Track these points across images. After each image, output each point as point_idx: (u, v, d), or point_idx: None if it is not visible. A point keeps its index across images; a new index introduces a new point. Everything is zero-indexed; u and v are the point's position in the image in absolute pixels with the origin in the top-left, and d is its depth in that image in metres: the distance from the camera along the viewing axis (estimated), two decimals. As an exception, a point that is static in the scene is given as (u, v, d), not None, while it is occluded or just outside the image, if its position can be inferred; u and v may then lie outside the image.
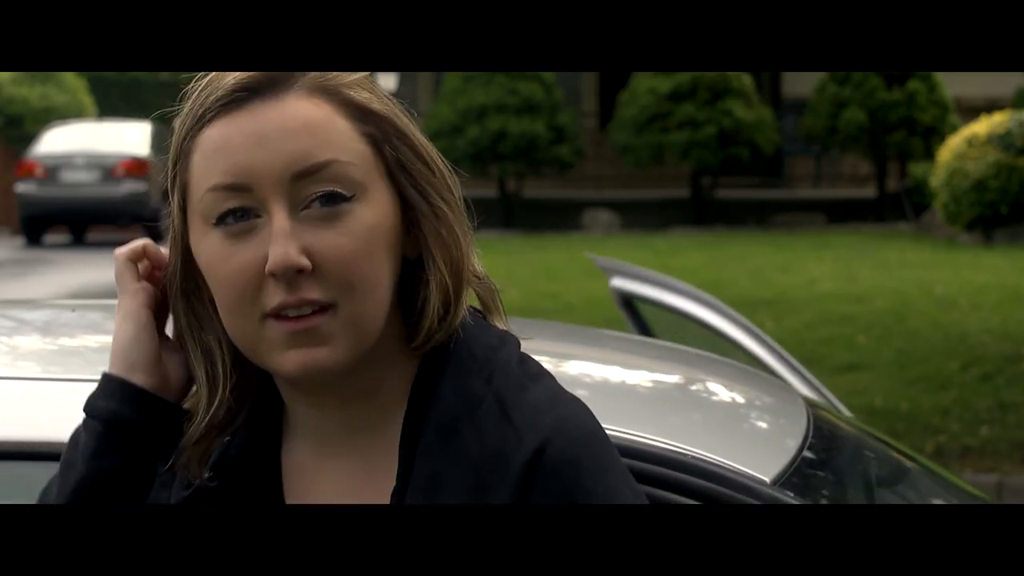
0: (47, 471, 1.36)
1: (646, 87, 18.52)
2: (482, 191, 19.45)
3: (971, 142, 14.48)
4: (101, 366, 1.34)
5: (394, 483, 1.25)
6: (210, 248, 1.24)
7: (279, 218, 1.21)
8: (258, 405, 1.33)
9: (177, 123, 1.29)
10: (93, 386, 1.33)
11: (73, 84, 25.79)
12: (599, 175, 20.73)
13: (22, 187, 20.61)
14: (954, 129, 17.46)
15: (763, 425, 1.93)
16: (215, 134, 1.24)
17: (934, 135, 18.17)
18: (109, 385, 1.31)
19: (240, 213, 1.23)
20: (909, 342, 8.79)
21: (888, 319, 9.57)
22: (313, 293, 1.22)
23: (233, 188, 1.23)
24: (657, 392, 2.01)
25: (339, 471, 1.30)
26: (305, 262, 1.21)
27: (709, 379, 2.10)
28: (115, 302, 1.35)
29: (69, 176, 20.64)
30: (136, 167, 21.02)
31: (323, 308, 1.22)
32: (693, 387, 2.07)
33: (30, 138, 23.82)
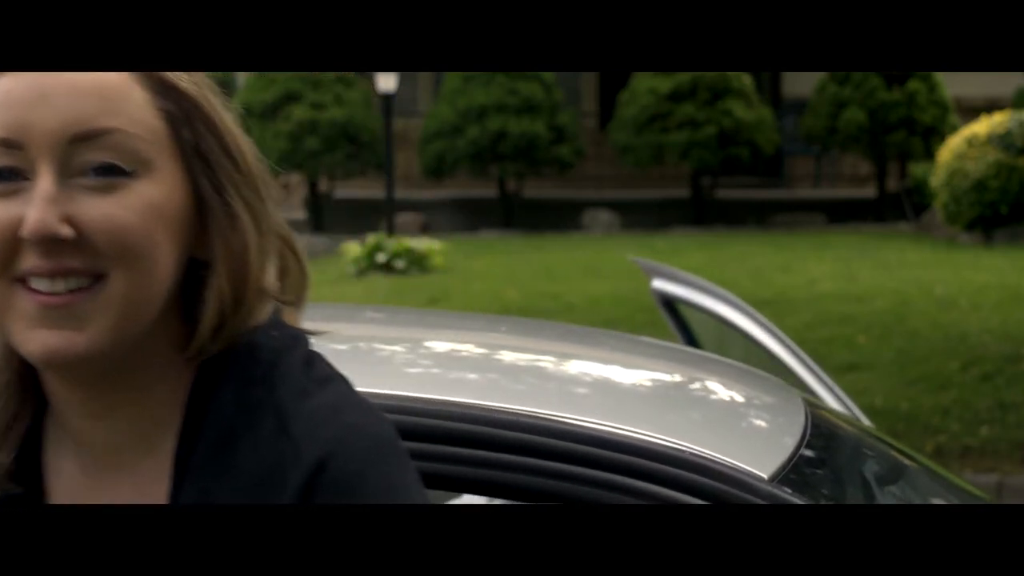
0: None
1: (646, 87, 18.52)
2: (482, 191, 19.44)
3: (971, 142, 14.48)
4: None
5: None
6: None
7: (44, 181, 1.10)
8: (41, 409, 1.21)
9: None
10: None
11: (73, 84, 25.82)
12: (599, 175, 20.73)
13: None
14: (954, 129, 17.45)
15: (761, 423, 1.93)
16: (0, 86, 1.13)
17: (934, 135, 18.16)
18: None
19: (7, 173, 1.11)
20: (909, 342, 8.79)
21: (888, 319, 9.57)
22: (75, 261, 1.10)
23: (4, 144, 1.11)
24: (656, 390, 2.02)
25: (107, 491, 1.18)
26: (65, 230, 1.10)
27: (708, 378, 2.11)
28: None
29: (69, 176, 20.66)
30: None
31: (83, 289, 1.11)
32: (692, 386, 2.08)
33: (30, 138, 23.77)
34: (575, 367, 2.05)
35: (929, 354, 8.37)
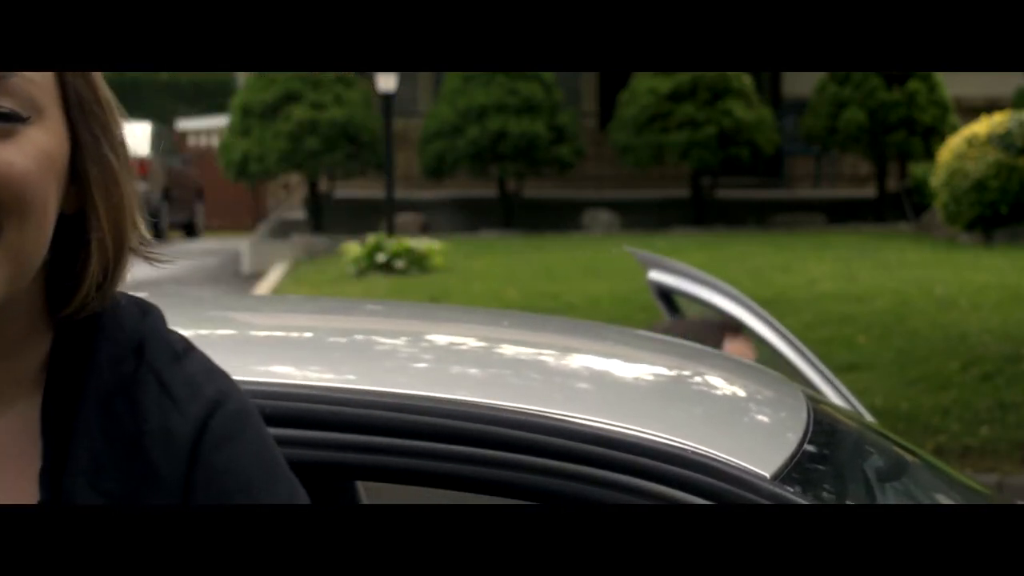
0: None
1: (646, 87, 18.52)
2: (482, 191, 19.44)
3: (971, 142, 14.48)
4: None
5: (39, 463, 1.11)
6: None
7: None
8: None
9: None
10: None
11: (73, 84, 25.79)
12: (599, 175, 20.73)
13: (22, 187, 20.62)
14: (954, 129, 17.45)
15: (763, 419, 1.93)
16: None
17: (934, 135, 18.16)
18: None
19: None
20: (909, 342, 8.80)
21: (888, 319, 9.57)
22: None
23: None
24: (657, 386, 2.01)
25: None
26: None
27: (708, 372, 2.11)
28: None
29: (69, 176, 20.66)
30: (136, 167, 21.00)
31: None
32: (693, 381, 2.08)
33: (30, 138, 23.72)
34: (576, 361, 2.05)
35: (929, 354, 8.38)
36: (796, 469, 1.64)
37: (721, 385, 2.05)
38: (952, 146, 14.78)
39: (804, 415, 1.87)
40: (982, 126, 14.62)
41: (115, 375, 1.14)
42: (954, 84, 18.70)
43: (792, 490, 1.56)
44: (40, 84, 1.09)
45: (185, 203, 23.95)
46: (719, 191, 19.95)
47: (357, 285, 13.20)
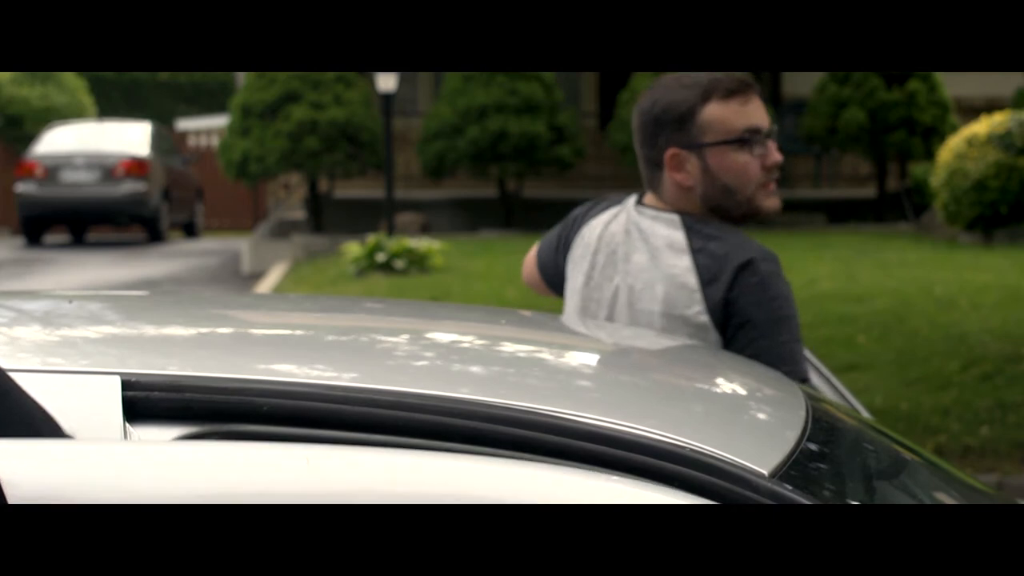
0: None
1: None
2: (482, 191, 19.43)
3: (971, 142, 14.48)
4: (100, 357, 1.34)
5: None
6: None
7: None
8: None
9: None
10: (93, 378, 1.32)
11: (73, 84, 25.79)
12: (599, 175, 20.73)
13: (22, 187, 20.63)
14: (954, 129, 17.45)
15: (762, 416, 1.93)
16: None
17: (934, 135, 18.16)
18: None
19: None
20: (909, 342, 8.79)
21: (888, 319, 9.57)
22: None
23: None
24: (656, 384, 2.02)
25: None
26: None
27: (708, 371, 2.11)
28: (115, 293, 1.34)
29: (69, 176, 20.66)
30: (136, 167, 21.05)
31: None
32: (692, 379, 2.08)
33: (30, 138, 23.82)
34: (574, 360, 2.05)
35: (929, 354, 8.38)
36: (795, 467, 1.64)
37: (720, 383, 2.05)
38: (952, 146, 14.77)
39: (803, 413, 1.88)
40: (982, 126, 14.62)
41: None
42: (954, 84, 18.70)
43: (791, 488, 1.56)
44: None
45: (185, 203, 23.96)
46: (719, 191, 19.92)
47: (357, 285, 13.19)
